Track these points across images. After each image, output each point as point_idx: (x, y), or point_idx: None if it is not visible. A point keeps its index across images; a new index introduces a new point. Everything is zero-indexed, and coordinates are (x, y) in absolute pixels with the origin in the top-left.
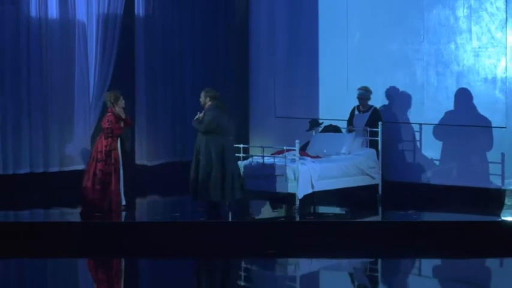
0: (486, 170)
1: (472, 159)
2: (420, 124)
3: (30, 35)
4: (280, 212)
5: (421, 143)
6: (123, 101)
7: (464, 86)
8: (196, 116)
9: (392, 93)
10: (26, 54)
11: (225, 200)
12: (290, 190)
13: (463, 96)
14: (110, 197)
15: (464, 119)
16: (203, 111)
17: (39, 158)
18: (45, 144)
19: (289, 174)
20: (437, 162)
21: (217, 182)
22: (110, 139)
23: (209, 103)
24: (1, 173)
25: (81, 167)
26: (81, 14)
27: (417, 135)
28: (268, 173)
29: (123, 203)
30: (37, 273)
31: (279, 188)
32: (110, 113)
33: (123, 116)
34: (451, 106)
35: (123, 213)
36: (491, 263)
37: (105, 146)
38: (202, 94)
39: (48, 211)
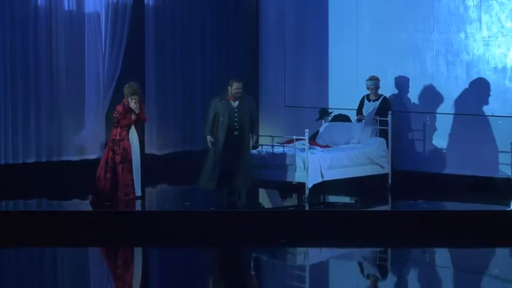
0: (496, 159)
1: (481, 148)
2: (430, 113)
3: (38, 24)
4: (290, 202)
5: (430, 132)
6: (136, 98)
7: (474, 76)
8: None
9: (402, 82)
10: (34, 44)
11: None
12: (299, 179)
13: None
14: (117, 186)
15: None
16: (236, 103)
17: (49, 147)
18: (55, 134)
19: (299, 163)
20: (446, 152)
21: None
22: (119, 128)
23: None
24: (11, 162)
25: (89, 156)
26: (91, 4)
27: (427, 124)
28: (277, 162)
29: (138, 193)
30: (44, 262)
31: (289, 178)
32: (120, 104)
33: (135, 110)
34: (461, 95)
35: (136, 202)
36: (501, 252)
37: (115, 135)
38: (241, 85)
39: (57, 200)
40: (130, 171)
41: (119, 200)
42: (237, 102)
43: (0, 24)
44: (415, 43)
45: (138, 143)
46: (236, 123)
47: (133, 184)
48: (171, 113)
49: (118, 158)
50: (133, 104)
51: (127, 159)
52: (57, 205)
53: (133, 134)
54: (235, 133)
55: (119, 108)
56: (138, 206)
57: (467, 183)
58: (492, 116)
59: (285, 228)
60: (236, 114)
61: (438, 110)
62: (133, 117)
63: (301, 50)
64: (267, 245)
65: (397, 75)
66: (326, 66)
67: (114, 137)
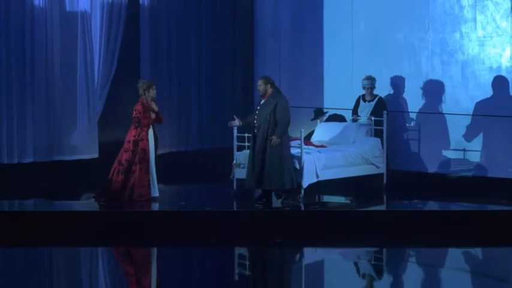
0: (490, 159)
1: (476, 148)
2: (425, 113)
3: (34, 24)
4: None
5: (425, 132)
6: (155, 91)
7: (469, 75)
8: (236, 124)
9: (397, 82)
10: (30, 44)
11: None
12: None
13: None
14: (132, 187)
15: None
16: (262, 101)
17: (45, 147)
18: (50, 134)
19: (294, 163)
20: (441, 152)
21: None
22: (138, 129)
23: (270, 90)
24: (6, 162)
25: (85, 156)
26: (85, 3)
27: (422, 124)
28: None
29: (155, 194)
30: (41, 262)
31: None
32: (139, 103)
33: (154, 107)
34: (455, 95)
35: (150, 202)
36: (494, 252)
37: (134, 136)
38: (262, 82)
39: (53, 200)
40: (147, 171)
41: (133, 202)
42: (263, 101)
43: None
44: (410, 43)
45: (153, 143)
46: (256, 122)
47: (149, 185)
48: (166, 113)
49: (136, 158)
50: (154, 95)
51: (145, 159)
52: (52, 205)
53: (151, 134)
54: (256, 131)
55: (138, 107)
56: (133, 206)
57: (463, 183)
58: (487, 115)
59: (281, 228)
60: (257, 113)
61: (433, 110)
62: (152, 116)
63: (297, 50)
64: (262, 244)
65: (392, 75)
66: (321, 66)
67: (133, 138)
